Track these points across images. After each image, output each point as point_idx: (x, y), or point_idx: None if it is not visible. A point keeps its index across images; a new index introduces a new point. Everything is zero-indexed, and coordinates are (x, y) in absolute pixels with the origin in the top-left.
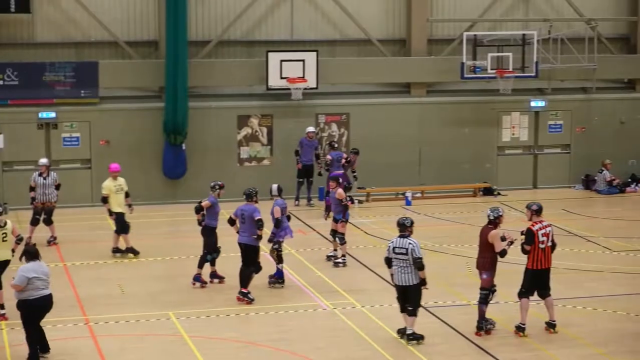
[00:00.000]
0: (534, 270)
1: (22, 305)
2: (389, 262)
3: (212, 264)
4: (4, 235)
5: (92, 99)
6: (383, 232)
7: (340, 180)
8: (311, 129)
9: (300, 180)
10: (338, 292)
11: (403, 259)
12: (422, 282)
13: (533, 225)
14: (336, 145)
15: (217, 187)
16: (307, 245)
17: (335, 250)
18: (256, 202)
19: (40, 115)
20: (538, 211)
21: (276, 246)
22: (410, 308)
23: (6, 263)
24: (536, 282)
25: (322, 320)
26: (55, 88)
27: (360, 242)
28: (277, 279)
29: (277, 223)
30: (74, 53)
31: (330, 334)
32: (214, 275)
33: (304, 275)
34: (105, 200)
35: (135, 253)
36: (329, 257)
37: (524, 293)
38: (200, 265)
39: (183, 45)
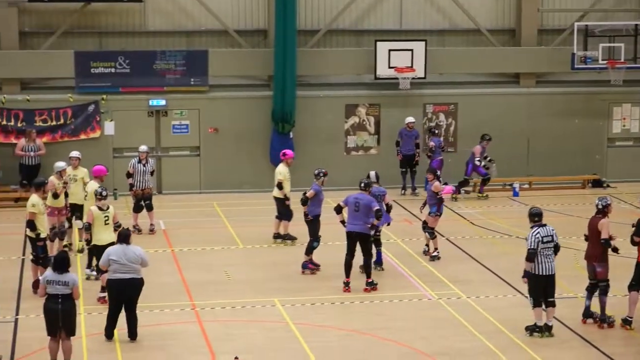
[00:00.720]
0: None
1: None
2: (534, 255)
3: (307, 253)
4: (106, 218)
5: (201, 87)
6: (490, 223)
7: (439, 172)
8: (410, 119)
9: (403, 170)
10: (443, 283)
11: (549, 247)
12: None
13: None
14: (437, 132)
15: (321, 174)
16: (412, 235)
17: (427, 245)
18: (369, 192)
19: (150, 102)
20: None
21: (373, 231)
22: (551, 299)
23: (111, 245)
24: None
25: (427, 310)
26: (166, 76)
27: (467, 232)
28: (377, 263)
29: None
30: (184, 41)
31: (434, 324)
32: (308, 263)
33: (409, 265)
34: (280, 186)
35: (293, 239)
36: (424, 252)
37: (634, 286)
38: (308, 253)
39: (292, 34)
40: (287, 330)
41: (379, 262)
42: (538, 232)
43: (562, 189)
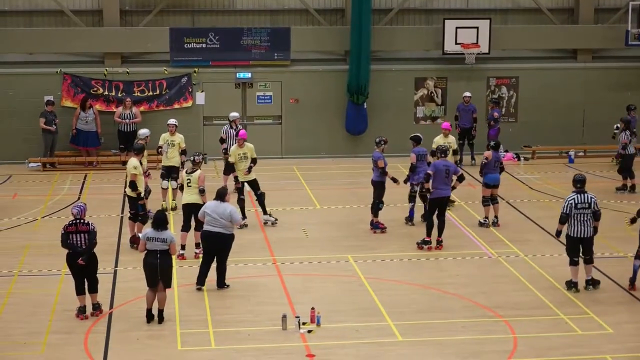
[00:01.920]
0: None
1: None
2: (566, 218)
3: (375, 214)
4: (189, 181)
5: (284, 61)
6: (546, 187)
7: (492, 142)
8: (467, 93)
9: (461, 142)
10: (503, 242)
11: (585, 213)
12: (595, 230)
13: None
14: (500, 103)
15: (382, 142)
16: (475, 197)
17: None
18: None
19: (237, 75)
20: None
21: (410, 188)
22: (587, 257)
23: (192, 206)
24: None
25: (487, 268)
26: (252, 51)
27: (525, 196)
28: (409, 219)
29: (413, 168)
30: (268, 20)
31: (494, 280)
32: (379, 223)
33: (472, 226)
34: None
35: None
36: (492, 222)
37: None
38: (375, 214)
39: (367, 12)
40: (359, 284)
41: (411, 217)
42: (573, 199)
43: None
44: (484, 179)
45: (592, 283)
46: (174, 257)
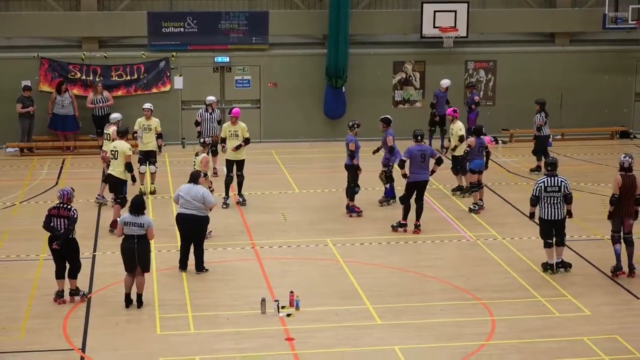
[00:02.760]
0: None
1: None
2: (536, 200)
3: (352, 198)
4: (194, 164)
5: (262, 45)
6: (524, 170)
7: (472, 128)
8: (446, 83)
9: (432, 129)
10: (481, 225)
11: (555, 196)
12: (569, 213)
13: None
14: (475, 85)
15: (355, 125)
16: (454, 181)
17: (479, 200)
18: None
19: (215, 59)
20: None
21: (386, 169)
22: (559, 239)
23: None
24: None
25: (466, 250)
26: (230, 35)
27: (503, 179)
28: (387, 198)
29: (391, 150)
30: (246, 3)
31: (472, 263)
32: (354, 207)
33: (450, 209)
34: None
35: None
36: (470, 210)
37: None
38: (350, 197)
39: None
40: (338, 267)
41: (389, 195)
42: (543, 182)
43: (592, 139)
44: (469, 166)
45: (563, 265)
46: (152, 241)
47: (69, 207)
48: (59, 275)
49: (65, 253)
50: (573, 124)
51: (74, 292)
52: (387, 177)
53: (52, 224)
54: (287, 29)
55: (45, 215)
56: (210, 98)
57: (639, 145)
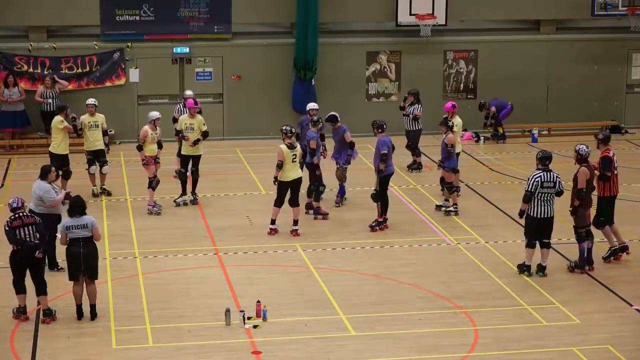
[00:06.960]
0: (612, 197)
1: None
2: (530, 197)
3: (317, 199)
4: (294, 156)
5: (224, 35)
6: (508, 168)
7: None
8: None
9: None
10: (462, 228)
11: (549, 192)
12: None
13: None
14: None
15: (320, 121)
16: (432, 181)
17: (446, 200)
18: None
19: (174, 50)
20: (605, 140)
21: (346, 166)
22: (547, 240)
23: (299, 180)
24: (612, 209)
25: (446, 255)
26: (190, 23)
27: (485, 178)
28: (342, 196)
29: (352, 145)
30: None
31: (453, 268)
32: (319, 209)
33: (429, 211)
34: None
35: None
36: (437, 207)
37: (604, 222)
38: (315, 198)
39: None
40: (308, 274)
41: (343, 194)
42: (540, 176)
43: (581, 135)
44: (450, 164)
45: (541, 269)
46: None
47: (26, 213)
48: (20, 289)
49: (37, 264)
50: (560, 118)
51: (49, 312)
52: (345, 176)
53: (18, 237)
54: (252, 17)
55: (6, 231)
56: (189, 92)
57: (631, 141)
